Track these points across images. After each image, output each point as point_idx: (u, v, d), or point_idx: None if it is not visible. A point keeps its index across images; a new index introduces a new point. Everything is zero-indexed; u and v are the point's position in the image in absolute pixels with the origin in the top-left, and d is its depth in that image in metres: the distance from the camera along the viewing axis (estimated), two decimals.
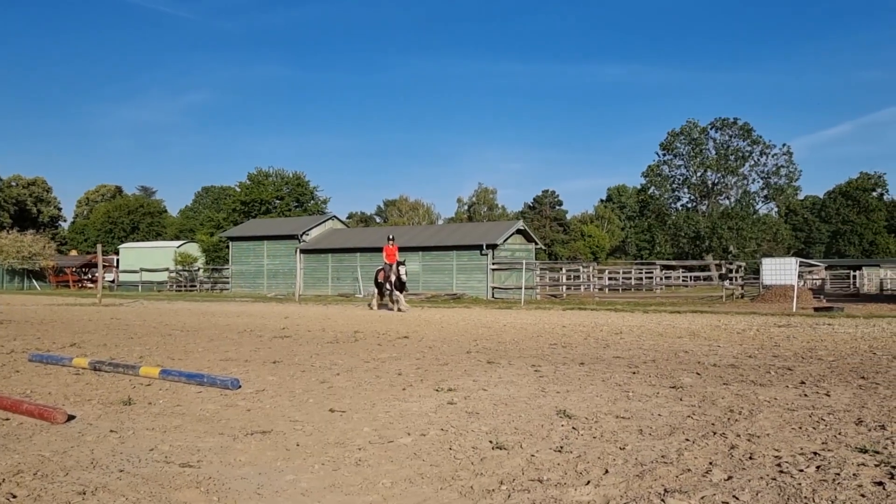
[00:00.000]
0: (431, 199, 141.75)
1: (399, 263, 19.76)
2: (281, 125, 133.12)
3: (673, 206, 68.62)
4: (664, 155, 67.03)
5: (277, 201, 58.88)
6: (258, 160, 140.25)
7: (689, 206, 67.94)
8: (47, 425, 4.34)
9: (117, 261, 47.51)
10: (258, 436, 4.12)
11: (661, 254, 71.55)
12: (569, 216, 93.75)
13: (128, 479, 3.19)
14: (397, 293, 19.29)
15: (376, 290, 20.71)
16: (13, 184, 74.16)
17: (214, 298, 30.15)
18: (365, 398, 5.39)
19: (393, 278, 19.41)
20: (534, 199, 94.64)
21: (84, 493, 2.98)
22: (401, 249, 36.03)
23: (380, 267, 20.63)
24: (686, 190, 67.76)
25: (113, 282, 44.05)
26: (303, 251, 36.08)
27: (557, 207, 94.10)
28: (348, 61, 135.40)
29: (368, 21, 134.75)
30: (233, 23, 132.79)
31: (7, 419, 4.50)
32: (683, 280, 44.10)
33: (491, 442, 3.92)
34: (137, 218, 69.81)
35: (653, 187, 67.87)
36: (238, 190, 61.52)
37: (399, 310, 18.80)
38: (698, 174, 65.85)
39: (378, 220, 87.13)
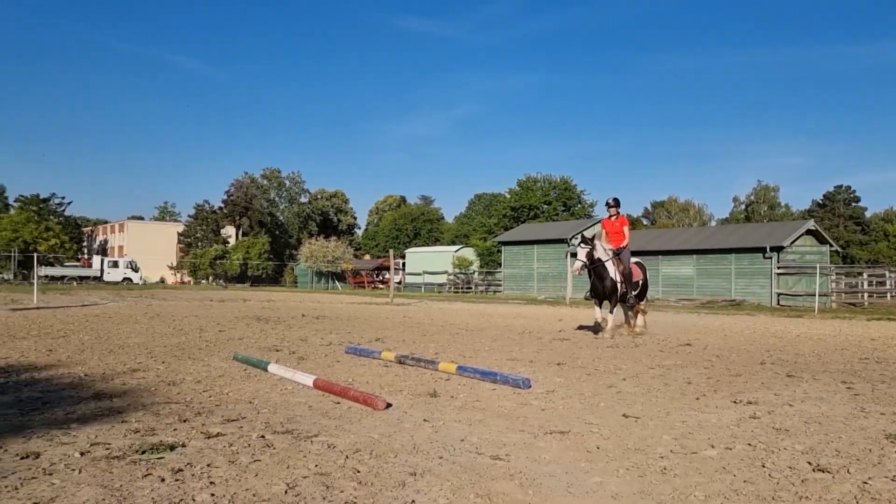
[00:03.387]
0: (702, 199, 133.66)
1: (615, 252, 11.23)
2: (547, 131, 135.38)
3: None
4: None
5: (545, 206, 59.97)
6: (526, 166, 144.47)
7: None
8: (370, 411, 4.89)
9: (403, 264, 52.03)
10: (557, 435, 4.23)
11: None
12: (868, 214, 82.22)
13: (447, 466, 3.49)
14: (635, 300, 11.82)
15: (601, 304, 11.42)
16: (318, 196, 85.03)
17: (489, 300, 31.60)
18: (657, 405, 5.27)
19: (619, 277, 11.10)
20: (824, 196, 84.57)
21: (414, 475, 3.32)
22: (673, 253, 34.61)
23: (603, 258, 11.01)
24: None
25: (400, 283, 48.30)
26: (573, 255, 36.27)
27: (854, 205, 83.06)
28: (606, 63, 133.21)
29: (619, 22, 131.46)
30: (492, 37, 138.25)
31: (338, 403, 5.17)
32: None
33: (810, 463, 3.60)
34: (419, 225, 75.86)
35: None
36: (508, 196, 63.83)
37: (633, 331, 11.66)
38: None
39: (645, 222, 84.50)
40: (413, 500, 2.94)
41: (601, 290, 11.04)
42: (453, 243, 61.55)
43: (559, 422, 4.65)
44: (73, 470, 3.27)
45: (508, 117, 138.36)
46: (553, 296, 35.05)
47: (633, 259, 11.78)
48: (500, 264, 44.81)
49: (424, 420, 4.62)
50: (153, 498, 2.89)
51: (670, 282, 32.26)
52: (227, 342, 9.49)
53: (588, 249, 10.90)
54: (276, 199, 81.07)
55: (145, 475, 3.20)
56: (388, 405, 5.03)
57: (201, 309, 18.47)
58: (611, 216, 11.68)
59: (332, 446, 3.83)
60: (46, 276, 49.27)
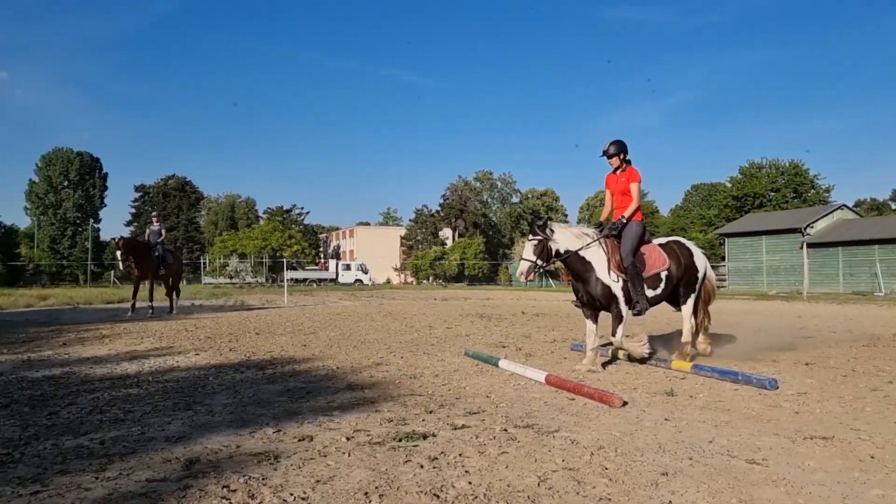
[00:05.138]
0: None
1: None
2: (771, 112, 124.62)
3: None
4: None
5: (772, 193, 55.35)
6: (749, 152, 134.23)
7: None
8: (606, 408, 4.84)
9: None
10: (819, 441, 3.88)
11: None
12: None
13: (700, 468, 3.35)
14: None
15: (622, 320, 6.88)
16: (529, 196, 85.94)
17: None
18: None
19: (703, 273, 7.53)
20: None
21: (665, 475, 3.23)
22: None
23: (574, 247, 6.78)
24: None
25: None
26: (809, 245, 33.06)
27: None
28: (837, 32, 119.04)
29: None
30: (705, 17, 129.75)
31: (573, 399, 5.18)
32: None
33: None
34: None
35: None
36: (729, 185, 59.83)
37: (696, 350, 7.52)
38: None
39: (893, 206, 74.50)
40: (670, 501, 2.86)
41: (587, 298, 6.91)
42: (669, 237, 58.85)
43: (818, 426, 4.26)
44: (344, 453, 3.61)
45: (727, 101, 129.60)
46: (786, 290, 32.23)
47: (662, 239, 7.52)
48: (723, 258, 42.12)
49: (665, 419, 4.48)
50: (417, 482, 3.10)
51: None
52: (455, 338, 9.91)
53: (538, 241, 6.66)
54: (489, 200, 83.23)
55: (405, 461, 3.45)
56: (625, 403, 4.94)
57: (427, 307, 19.47)
58: (613, 169, 7.23)
59: (575, 442, 3.85)
60: (291, 279, 54.85)
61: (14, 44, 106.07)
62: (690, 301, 7.33)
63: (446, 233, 74.11)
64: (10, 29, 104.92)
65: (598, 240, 6.81)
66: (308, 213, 78.11)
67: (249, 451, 3.65)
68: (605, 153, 7.17)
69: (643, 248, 6.98)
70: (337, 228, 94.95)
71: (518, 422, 4.38)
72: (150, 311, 15.08)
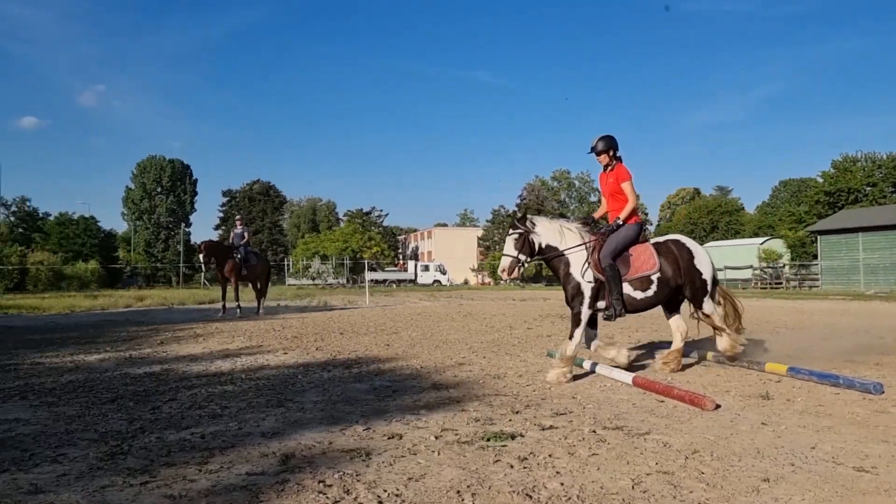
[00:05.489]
0: None
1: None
2: (867, 103, 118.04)
3: None
4: None
5: (869, 188, 52.42)
6: (842, 146, 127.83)
7: None
8: (698, 411, 4.70)
9: None
10: None
11: None
12: None
13: (803, 475, 3.20)
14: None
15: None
16: None
17: (804, 296, 28.50)
18: None
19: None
20: None
21: (766, 481, 3.10)
22: None
23: (555, 243, 6.48)
24: None
25: None
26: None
27: None
28: None
29: None
30: (793, 6, 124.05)
31: (662, 401, 5.05)
32: None
33: None
34: (716, 217, 71.26)
35: None
36: (821, 180, 57.09)
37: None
38: None
39: None
40: None
41: (566, 298, 6.49)
42: (756, 235, 56.72)
43: None
44: (433, 452, 3.64)
45: (817, 92, 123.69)
46: (885, 290, 30.49)
47: (661, 238, 6.81)
48: (815, 256, 40.24)
49: (762, 423, 4.31)
50: (508, 482, 3.10)
51: None
52: (536, 339, 9.84)
53: (519, 235, 6.34)
54: (567, 199, 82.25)
55: (495, 461, 3.45)
56: (717, 406, 4.79)
57: (506, 307, 19.41)
58: (604, 168, 6.72)
59: (668, 445, 3.76)
60: (371, 280, 55.84)
61: (110, 59, 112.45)
62: (707, 305, 6.60)
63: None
64: (106, 45, 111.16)
65: (585, 242, 6.36)
66: (387, 214, 79.42)
67: (341, 448, 3.73)
68: (592, 150, 6.65)
69: (632, 249, 6.40)
70: (415, 230, 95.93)
71: (607, 423, 4.31)
72: (238, 311, 15.63)
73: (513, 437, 3.94)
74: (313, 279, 59.44)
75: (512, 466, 3.35)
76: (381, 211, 79.01)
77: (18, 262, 37.21)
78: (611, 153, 6.59)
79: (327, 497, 2.92)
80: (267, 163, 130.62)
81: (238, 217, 17.81)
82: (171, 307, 20.52)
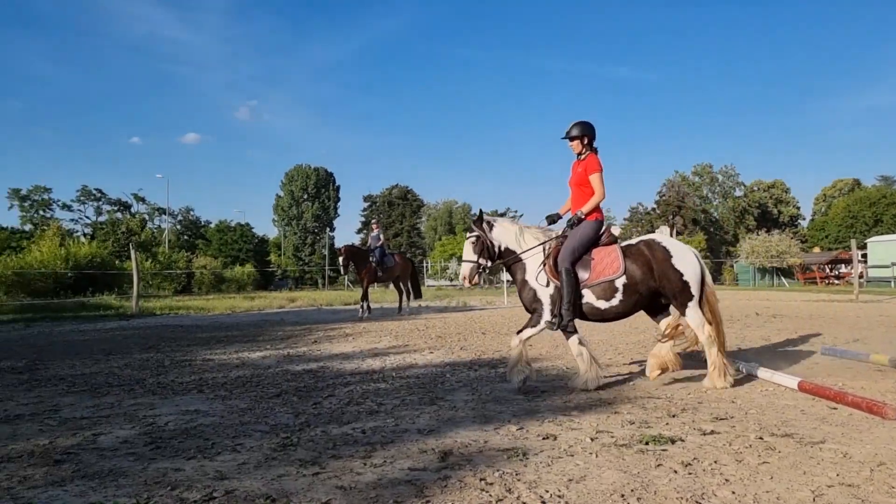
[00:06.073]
0: None
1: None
2: None
3: None
4: None
5: None
6: None
7: None
8: (877, 420, 4.32)
9: (864, 255, 45.37)
10: None
11: None
12: None
13: None
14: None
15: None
16: (755, 188, 79.65)
17: None
18: None
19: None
20: None
21: None
22: None
23: (512, 246, 6.11)
24: None
25: (861, 277, 42.24)
26: None
27: None
28: None
29: None
30: None
31: (835, 409, 4.70)
32: None
33: None
34: (880, 210, 65.28)
35: None
36: None
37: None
38: None
39: None
40: None
41: (524, 306, 6.08)
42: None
43: None
44: (591, 454, 3.59)
45: None
46: None
47: (634, 240, 6.04)
48: None
49: None
50: (674, 488, 2.99)
51: None
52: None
53: (476, 238, 6.02)
54: (709, 195, 78.46)
55: (657, 465, 3.35)
56: None
57: None
58: (577, 156, 6.17)
59: (848, 455, 3.48)
60: (508, 281, 55.87)
61: (261, 76, 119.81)
62: (692, 312, 5.66)
63: (664, 230, 71.15)
64: (257, 64, 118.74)
65: (543, 243, 5.95)
66: (521, 215, 78.96)
67: (497, 447, 3.76)
68: (567, 135, 6.10)
69: (594, 252, 5.80)
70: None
71: (774, 430, 4.06)
72: (364, 311, 15.95)
73: (672, 441, 3.81)
74: (451, 280, 60.43)
75: (675, 472, 3.24)
76: (516, 212, 78.84)
77: (185, 267, 40.56)
78: (585, 141, 6.07)
79: (490, 495, 2.95)
80: (405, 167, 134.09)
81: (374, 221, 18.48)
82: (320, 308, 21.58)
